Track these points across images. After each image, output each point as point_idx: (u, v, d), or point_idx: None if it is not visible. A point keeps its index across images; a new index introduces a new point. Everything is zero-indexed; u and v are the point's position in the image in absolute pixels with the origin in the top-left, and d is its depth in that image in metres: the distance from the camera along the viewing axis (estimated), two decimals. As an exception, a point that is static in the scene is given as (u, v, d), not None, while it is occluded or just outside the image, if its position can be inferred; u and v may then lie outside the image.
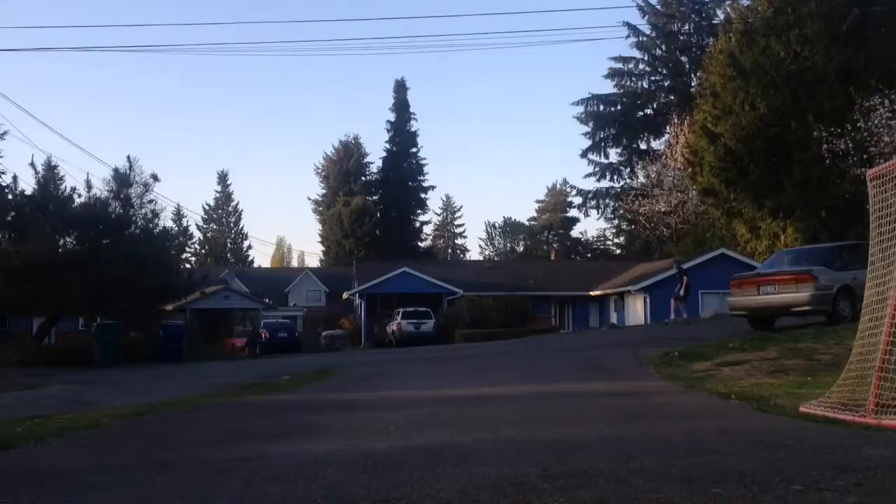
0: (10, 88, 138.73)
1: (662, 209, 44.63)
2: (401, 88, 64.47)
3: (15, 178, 22.00)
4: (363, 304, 40.36)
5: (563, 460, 3.72)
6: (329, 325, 44.07)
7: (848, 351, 5.95)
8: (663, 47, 51.10)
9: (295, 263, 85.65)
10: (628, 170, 52.56)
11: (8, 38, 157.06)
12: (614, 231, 61.55)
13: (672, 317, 20.78)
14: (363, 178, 65.16)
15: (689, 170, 35.49)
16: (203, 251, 74.09)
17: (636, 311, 35.61)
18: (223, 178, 78.90)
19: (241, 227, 79.63)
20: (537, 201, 75.75)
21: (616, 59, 51.68)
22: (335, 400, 7.67)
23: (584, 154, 53.84)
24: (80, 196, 22.58)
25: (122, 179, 22.58)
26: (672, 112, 47.91)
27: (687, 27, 50.53)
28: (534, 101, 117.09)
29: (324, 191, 67.02)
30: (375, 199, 64.40)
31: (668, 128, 48.10)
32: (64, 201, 22.21)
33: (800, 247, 22.58)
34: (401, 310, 34.59)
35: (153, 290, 21.93)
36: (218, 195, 78.70)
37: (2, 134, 21.55)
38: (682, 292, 19.67)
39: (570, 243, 67.91)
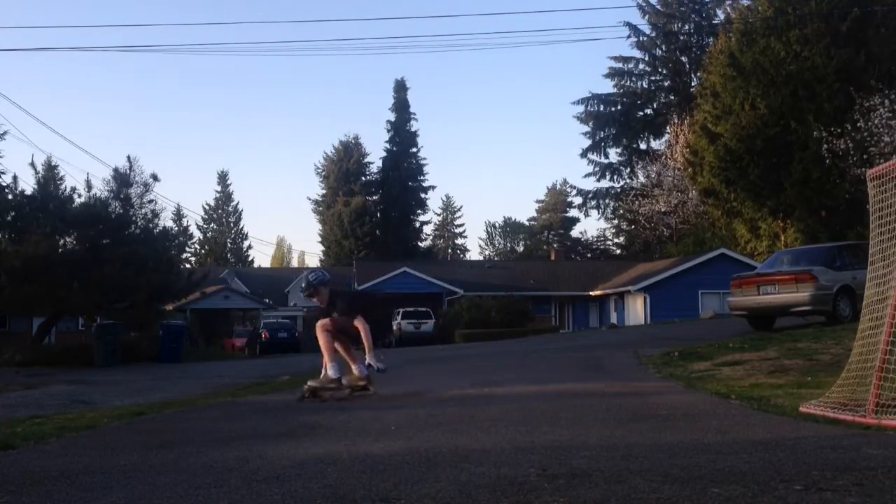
0: (10, 88, 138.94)
1: (662, 209, 44.66)
2: (401, 88, 64.46)
3: (15, 178, 22.01)
4: (363, 304, 40.32)
5: (563, 460, 3.72)
6: (329, 325, 44.04)
7: (848, 351, 5.95)
8: (663, 47, 51.14)
9: (295, 263, 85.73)
10: (628, 170, 52.64)
11: (8, 38, 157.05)
12: (614, 231, 61.64)
13: (375, 366, 9.37)
14: (363, 178, 65.13)
15: (689, 170, 35.51)
16: (203, 251, 74.09)
17: (636, 311, 35.62)
18: (223, 178, 79.00)
19: (241, 227, 79.76)
20: (537, 201, 75.90)
21: (616, 58, 51.81)
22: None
23: (584, 154, 53.95)
24: (80, 196, 22.59)
25: (122, 179, 22.57)
26: (672, 112, 47.96)
27: (687, 27, 50.59)
28: (534, 101, 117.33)
29: (324, 191, 67.01)
30: (375, 199, 64.37)
31: (668, 128, 48.14)
32: (64, 201, 22.18)
33: (800, 247, 22.59)
34: (401, 310, 34.58)
35: (153, 290, 21.93)
36: (218, 195, 78.78)
37: (2, 134, 21.59)
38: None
39: (570, 243, 67.91)
